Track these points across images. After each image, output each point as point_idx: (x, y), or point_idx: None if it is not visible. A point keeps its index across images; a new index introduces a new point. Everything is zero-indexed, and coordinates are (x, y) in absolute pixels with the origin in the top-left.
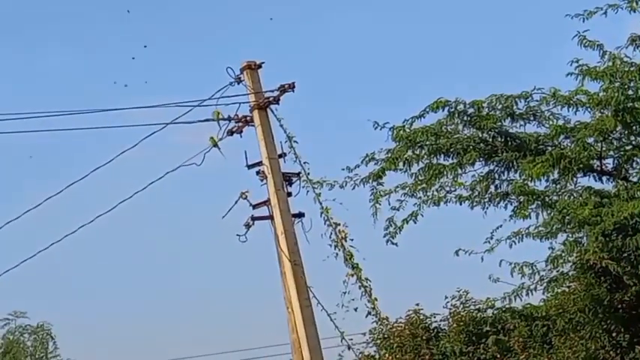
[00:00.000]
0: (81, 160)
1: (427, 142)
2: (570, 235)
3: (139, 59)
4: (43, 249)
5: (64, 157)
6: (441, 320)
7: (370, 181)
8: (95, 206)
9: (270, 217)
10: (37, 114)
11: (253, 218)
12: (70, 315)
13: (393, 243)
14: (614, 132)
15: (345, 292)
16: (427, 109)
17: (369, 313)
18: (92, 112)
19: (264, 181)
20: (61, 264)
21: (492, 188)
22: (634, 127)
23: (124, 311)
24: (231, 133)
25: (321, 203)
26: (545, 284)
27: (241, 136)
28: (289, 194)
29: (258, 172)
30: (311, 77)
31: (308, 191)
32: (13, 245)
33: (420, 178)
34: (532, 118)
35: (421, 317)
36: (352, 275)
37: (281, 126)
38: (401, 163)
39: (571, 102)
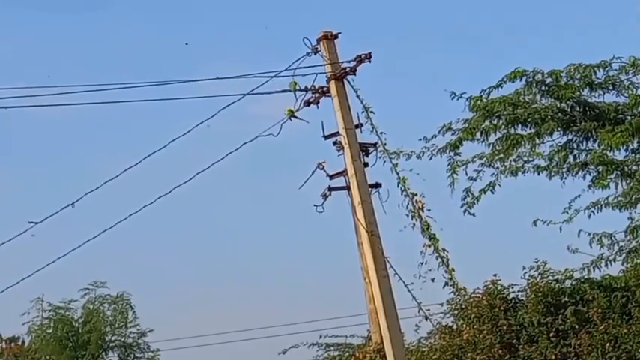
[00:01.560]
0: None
1: (505, 112)
2: None
3: (217, 29)
4: (122, 219)
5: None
6: (518, 291)
7: (447, 151)
8: (173, 177)
9: (347, 188)
10: (115, 85)
11: (330, 189)
12: (150, 284)
13: (470, 213)
14: None
15: (422, 263)
16: (504, 79)
17: (447, 283)
18: (170, 84)
19: (341, 151)
20: (139, 235)
21: (570, 158)
22: None
23: (200, 280)
24: (307, 103)
25: (397, 174)
26: (624, 255)
27: (318, 107)
28: (366, 165)
29: (335, 143)
30: (390, 46)
31: (385, 162)
32: (93, 216)
33: (497, 148)
34: (611, 88)
35: (499, 288)
36: (429, 246)
37: (358, 96)
38: (478, 134)
39: None
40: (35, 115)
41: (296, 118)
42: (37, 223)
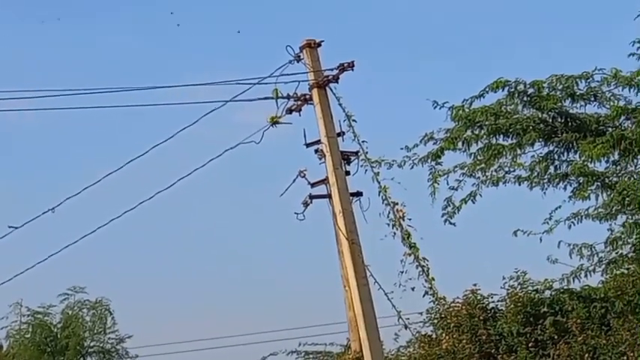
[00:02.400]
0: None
1: (486, 122)
2: (630, 217)
3: (202, 36)
4: (103, 225)
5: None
6: (498, 301)
7: (429, 160)
8: (155, 183)
9: (328, 196)
10: (98, 90)
11: (311, 197)
12: (129, 290)
13: (451, 223)
14: None
15: (402, 272)
16: (487, 89)
17: (426, 292)
18: (153, 89)
19: (323, 159)
20: (120, 240)
21: (552, 169)
22: None
23: (180, 287)
24: (290, 111)
25: (379, 182)
26: (603, 266)
27: (300, 115)
28: (347, 173)
29: (316, 151)
30: (372, 54)
31: (366, 170)
32: (74, 221)
33: (478, 158)
34: (593, 99)
35: (478, 297)
36: (410, 254)
37: (340, 105)
38: (460, 143)
39: (632, 83)
40: (21, 119)
41: (279, 123)
42: (16, 228)
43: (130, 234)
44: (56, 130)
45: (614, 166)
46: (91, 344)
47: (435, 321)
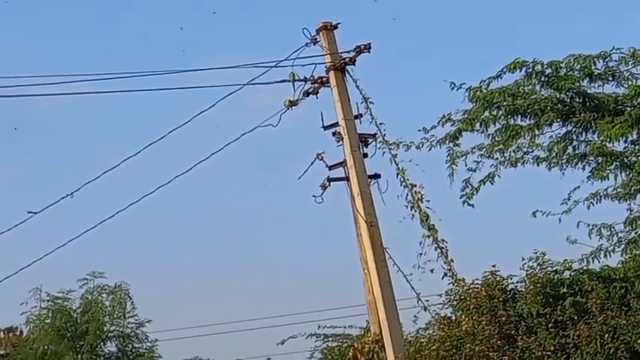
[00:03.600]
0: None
1: (504, 103)
2: None
3: (215, 20)
4: (121, 209)
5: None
6: (517, 282)
7: (447, 142)
8: (173, 167)
9: (346, 179)
10: (114, 75)
11: (329, 179)
12: (148, 275)
13: (469, 204)
14: None
15: (421, 254)
16: (504, 70)
17: (445, 274)
18: (170, 73)
19: (340, 142)
20: (139, 224)
21: (570, 149)
22: None
23: (198, 271)
24: (307, 94)
25: (397, 164)
26: (623, 246)
27: (317, 97)
28: (365, 155)
29: (334, 134)
30: (389, 37)
31: (384, 152)
32: (93, 206)
33: (496, 139)
34: (611, 79)
35: (498, 279)
36: (428, 236)
37: (357, 87)
38: (478, 124)
39: None
40: (40, 105)
41: (296, 105)
42: (35, 213)
43: (149, 218)
44: (73, 114)
45: (632, 146)
46: (111, 329)
47: (455, 303)
